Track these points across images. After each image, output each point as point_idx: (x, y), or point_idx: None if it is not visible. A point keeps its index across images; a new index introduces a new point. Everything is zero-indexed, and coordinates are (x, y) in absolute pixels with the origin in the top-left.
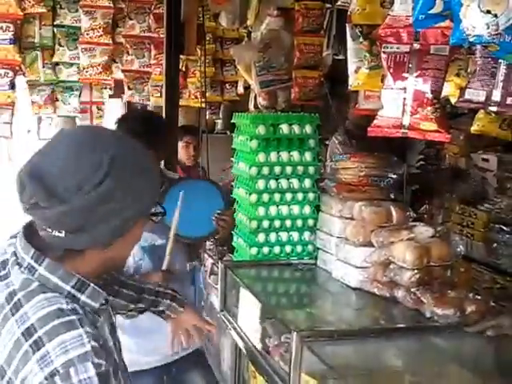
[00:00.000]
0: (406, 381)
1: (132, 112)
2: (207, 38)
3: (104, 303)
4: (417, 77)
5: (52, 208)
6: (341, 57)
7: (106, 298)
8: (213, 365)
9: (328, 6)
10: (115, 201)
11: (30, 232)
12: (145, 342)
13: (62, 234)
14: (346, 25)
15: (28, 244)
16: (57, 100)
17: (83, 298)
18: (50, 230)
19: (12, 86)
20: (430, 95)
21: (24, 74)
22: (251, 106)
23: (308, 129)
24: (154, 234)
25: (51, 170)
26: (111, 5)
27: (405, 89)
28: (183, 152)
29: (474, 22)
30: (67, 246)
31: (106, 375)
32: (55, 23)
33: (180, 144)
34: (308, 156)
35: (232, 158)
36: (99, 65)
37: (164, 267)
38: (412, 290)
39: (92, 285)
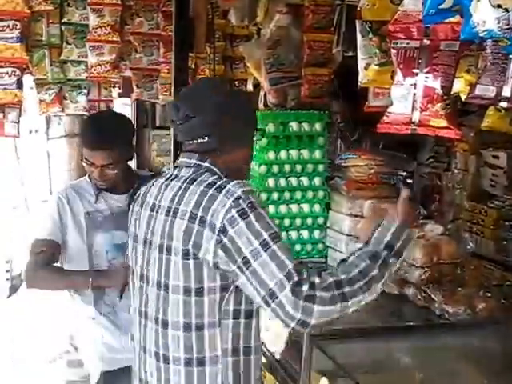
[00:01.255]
0: (416, 378)
1: (100, 112)
2: (216, 36)
3: None
4: (427, 73)
5: (198, 117)
6: (350, 54)
7: None
8: None
9: (338, 2)
10: (233, 120)
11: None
12: (128, 338)
13: (206, 139)
14: (356, 21)
15: (191, 153)
16: (65, 98)
17: None
18: (196, 140)
19: (19, 84)
20: (440, 91)
21: (31, 73)
22: (261, 104)
23: (318, 126)
24: (126, 232)
25: (197, 96)
26: (119, 2)
27: (415, 85)
28: None
29: (485, 17)
30: (211, 147)
31: None
32: (63, 21)
33: None
34: (318, 154)
35: None
36: (107, 63)
37: None
38: (422, 287)
39: None
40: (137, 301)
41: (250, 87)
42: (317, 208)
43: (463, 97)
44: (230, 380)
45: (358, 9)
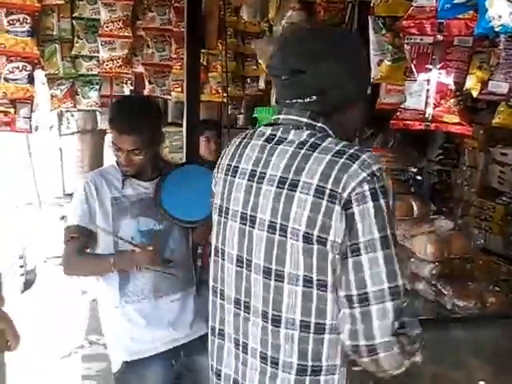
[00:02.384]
0: (427, 372)
1: (129, 96)
2: (228, 33)
3: None
4: (440, 68)
5: (309, 71)
6: None
7: None
8: None
9: None
10: (348, 69)
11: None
12: (151, 329)
13: (314, 98)
14: (369, 17)
15: (303, 110)
16: (77, 94)
17: None
18: (303, 99)
19: (31, 79)
20: (453, 87)
21: (43, 68)
22: (273, 101)
23: None
24: (152, 218)
25: (302, 44)
26: None
27: (428, 81)
28: (204, 147)
29: (500, 11)
30: (322, 108)
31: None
32: (74, 15)
33: (201, 139)
34: None
35: None
36: (119, 58)
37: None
38: (433, 282)
39: None
40: (230, 288)
41: (261, 84)
42: None
43: (474, 93)
44: None
45: (371, 5)
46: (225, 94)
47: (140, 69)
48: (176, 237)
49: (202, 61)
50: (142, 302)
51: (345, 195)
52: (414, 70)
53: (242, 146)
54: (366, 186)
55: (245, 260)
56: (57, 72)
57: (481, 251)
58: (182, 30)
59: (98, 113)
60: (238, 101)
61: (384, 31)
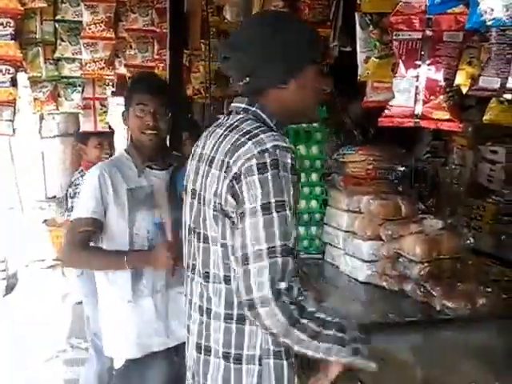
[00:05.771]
0: (416, 374)
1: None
2: (211, 33)
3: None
4: (429, 64)
5: (233, 56)
6: (348, 49)
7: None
8: None
9: None
10: (282, 43)
11: None
12: (164, 322)
13: (247, 80)
14: (355, 14)
15: (241, 96)
16: (59, 96)
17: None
18: (240, 81)
19: (13, 82)
20: (442, 83)
21: (25, 71)
22: None
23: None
24: (166, 209)
25: (236, 32)
26: None
27: (417, 77)
28: (184, 147)
29: (492, 5)
30: (255, 88)
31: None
32: (56, 18)
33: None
34: (315, 149)
35: None
36: (102, 60)
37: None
38: (422, 283)
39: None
40: (186, 254)
41: None
42: (314, 204)
43: (464, 90)
44: (259, 334)
45: (358, 1)
46: (207, 95)
47: (122, 70)
48: None
49: (184, 61)
50: (155, 295)
51: (235, 169)
52: (402, 66)
53: (205, 134)
54: (253, 161)
55: (192, 229)
56: (39, 75)
57: (471, 251)
58: (165, 30)
59: (80, 115)
60: (220, 101)
61: (371, 28)
